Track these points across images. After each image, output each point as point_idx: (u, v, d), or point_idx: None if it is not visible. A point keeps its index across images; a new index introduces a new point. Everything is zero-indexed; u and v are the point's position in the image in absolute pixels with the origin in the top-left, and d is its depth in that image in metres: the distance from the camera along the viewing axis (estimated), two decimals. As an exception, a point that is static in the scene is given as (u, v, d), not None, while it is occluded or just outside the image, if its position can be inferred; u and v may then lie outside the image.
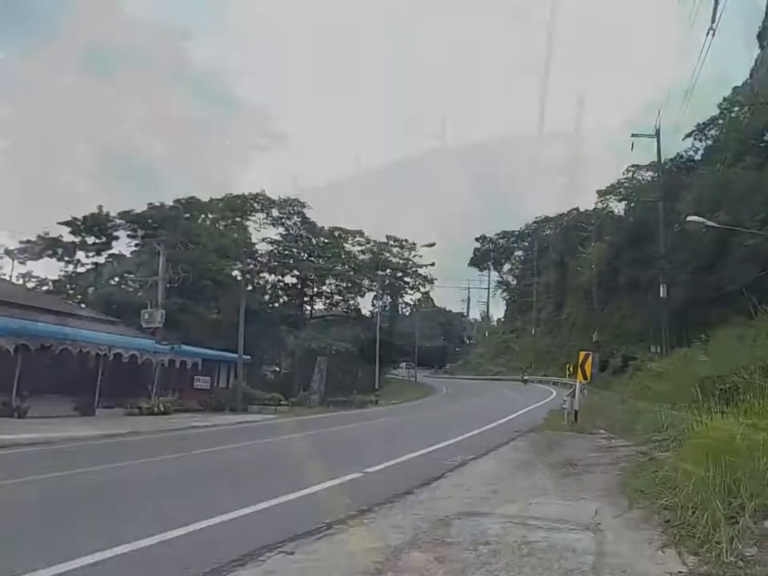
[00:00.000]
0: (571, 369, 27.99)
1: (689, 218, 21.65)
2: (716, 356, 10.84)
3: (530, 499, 6.47)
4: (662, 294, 29.98)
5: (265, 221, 56.90)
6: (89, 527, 5.45)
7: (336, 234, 59.30)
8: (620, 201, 60.13)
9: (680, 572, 3.96)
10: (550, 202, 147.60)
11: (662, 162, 36.77)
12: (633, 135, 34.28)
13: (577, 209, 69.98)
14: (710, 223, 21.93)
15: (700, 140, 48.56)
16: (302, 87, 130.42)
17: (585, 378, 16.43)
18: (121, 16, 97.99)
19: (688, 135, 48.29)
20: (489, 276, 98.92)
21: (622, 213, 57.32)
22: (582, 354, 16.83)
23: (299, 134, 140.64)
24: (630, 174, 57.11)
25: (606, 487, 7.03)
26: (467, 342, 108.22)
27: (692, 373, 10.22)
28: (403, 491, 6.91)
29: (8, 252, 44.44)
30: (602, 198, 62.18)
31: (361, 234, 61.70)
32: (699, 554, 4.21)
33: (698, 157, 48.28)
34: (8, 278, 42.19)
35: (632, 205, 52.48)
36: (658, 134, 32.14)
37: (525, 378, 58.23)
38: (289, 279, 57.15)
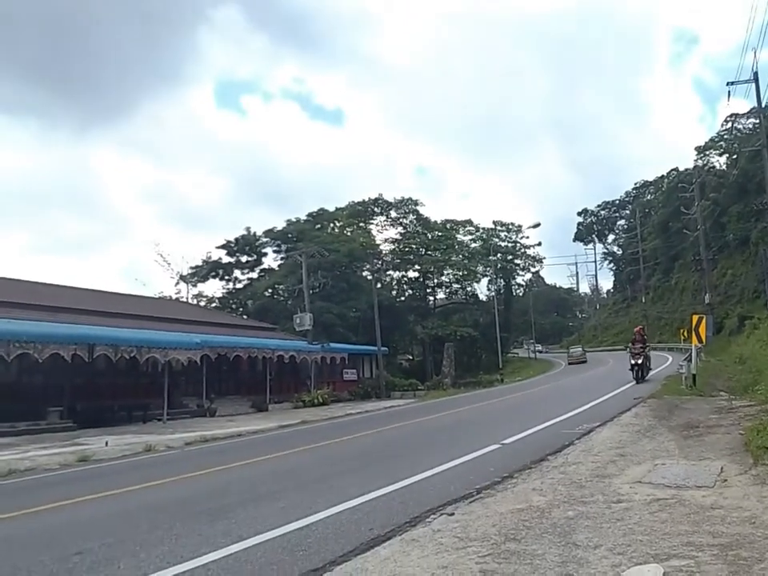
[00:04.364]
0: (685, 333, 25.86)
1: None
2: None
3: (656, 461, 6.40)
4: (774, 247, 26.74)
5: (385, 222, 58.30)
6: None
7: (448, 225, 59.39)
8: (721, 155, 54.60)
9: (808, 522, 3.86)
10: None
11: (764, 106, 31.80)
12: (728, 84, 28.47)
13: (676, 169, 64.87)
14: (821, 166, 19.58)
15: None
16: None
17: (700, 341, 15.38)
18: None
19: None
20: (594, 249, 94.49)
21: (724, 167, 52.23)
22: (695, 317, 15.61)
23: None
24: (730, 125, 51.66)
25: (730, 446, 6.77)
26: (579, 315, 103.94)
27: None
28: (538, 459, 7.07)
29: (182, 277, 48.23)
30: (702, 155, 56.82)
31: (470, 222, 61.42)
32: (827, 504, 4.12)
33: (803, 95, 42.53)
34: (185, 300, 46.24)
35: (734, 157, 47.56)
36: (756, 76, 27.07)
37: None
38: (411, 274, 58.16)
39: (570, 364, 48.70)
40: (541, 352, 73.57)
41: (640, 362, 19.89)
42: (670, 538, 3.81)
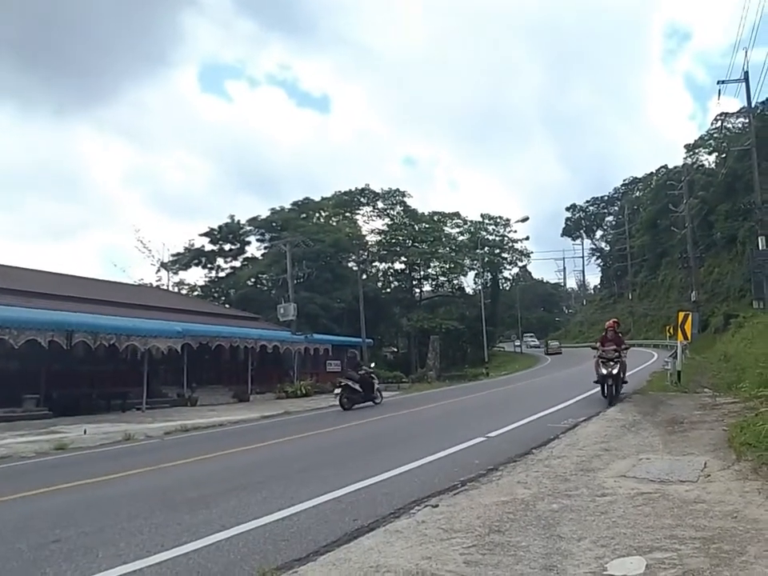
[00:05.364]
0: (671, 330, 26.29)
1: (786, 163, 19.55)
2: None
3: (640, 455, 6.50)
4: (760, 247, 26.99)
5: (372, 213, 58.22)
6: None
7: (435, 218, 59.45)
8: (710, 153, 55.31)
9: (789, 517, 3.91)
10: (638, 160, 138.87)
11: (753, 105, 31.71)
12: (719, 82, 29.16)
13: (665, 166, 65.63)
14: (809, 166, 19.84)
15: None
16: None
17: (685, 338, 15.63)
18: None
19: (780, 73, 43.01)
20: (582, 244, 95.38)
21: (713, 166, 52.91)
22: (681, 314, 15.80)
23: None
24: (719, 124, 52.25)
25: (713, 442, 6.88)
26: (566, 311, 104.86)
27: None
28: (523, 452, 7.14)
29: (163, 265, 47.70)
30: (691, 153, 57.48)
31: (458, 215, 61.55)
32: (808, 500, 4.17)
33: (792, 95, 43.07)
34: (166, 287, 45.80)
35: (723, 156, 48.16)
36: (746, 75, 27.71)
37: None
38: (397, 265, 58.19)
39: (547, 354, 59.79)
40: (538, 347, 74.11)
41: (615, 372, 12.13)
42: (653, 531, 3.87)
